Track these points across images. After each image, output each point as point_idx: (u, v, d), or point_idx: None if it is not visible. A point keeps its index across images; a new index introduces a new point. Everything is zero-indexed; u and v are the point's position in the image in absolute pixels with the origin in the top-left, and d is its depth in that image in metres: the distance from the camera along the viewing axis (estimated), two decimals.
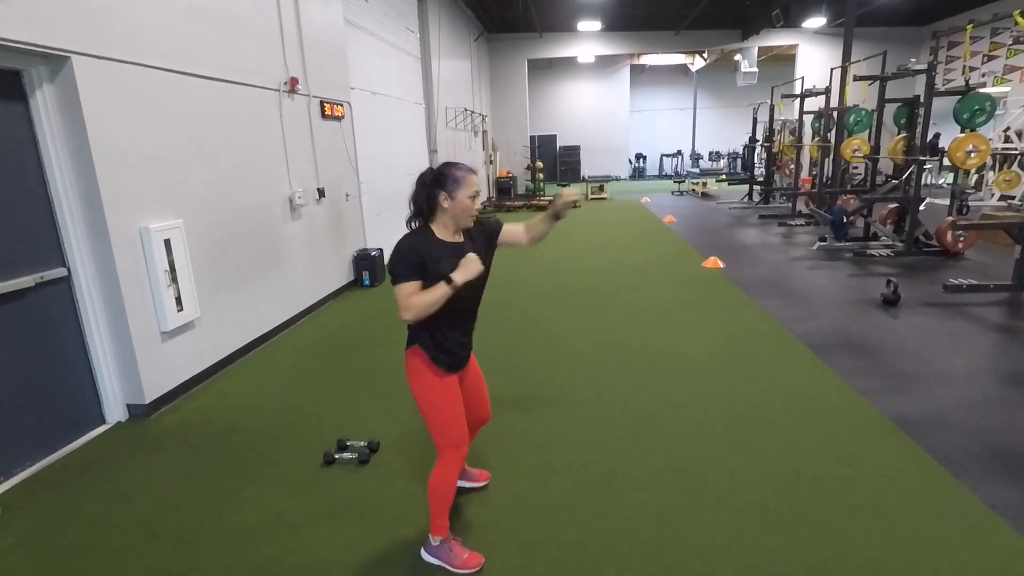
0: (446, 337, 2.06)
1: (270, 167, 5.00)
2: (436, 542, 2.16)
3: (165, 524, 2.48)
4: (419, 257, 1.95)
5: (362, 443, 3.01)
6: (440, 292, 1.90)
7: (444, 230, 2.04)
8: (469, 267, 1.92)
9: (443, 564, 2.15)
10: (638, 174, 24.28)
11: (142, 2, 3.53)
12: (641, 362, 4.07)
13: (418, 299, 1.90)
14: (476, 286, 2.04)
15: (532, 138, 19.73)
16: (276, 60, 5.10)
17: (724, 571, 2.08)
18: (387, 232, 8.11)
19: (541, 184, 17.55)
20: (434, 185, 2.01)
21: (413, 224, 2.10)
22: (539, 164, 17.48)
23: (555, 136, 23.07)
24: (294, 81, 5.29)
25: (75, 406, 3.30)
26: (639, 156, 24.35)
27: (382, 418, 3.37)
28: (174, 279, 3.68)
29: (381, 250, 7.00)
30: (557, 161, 23.08)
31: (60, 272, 3.19)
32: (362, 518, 2.48)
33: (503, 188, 17.06)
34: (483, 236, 2.15)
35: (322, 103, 5.92)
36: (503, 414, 3.37)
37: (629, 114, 23.12)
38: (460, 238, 2.07)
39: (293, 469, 2.87)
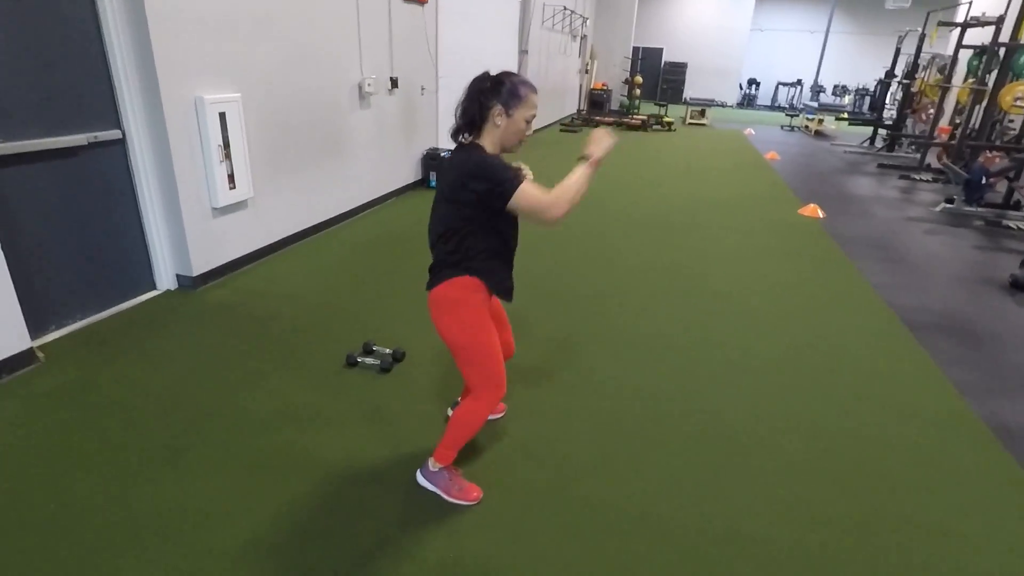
0: (506, 268, 1.88)
1: (341, 49, 4.72)
2: (435, 468, 2.03)
3: (184, 397, 2.51)
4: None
5: (387, 351, 2.90)
6: (583, 174, 1.68)
7: (496, 151, 1.76)
8: (604, 140, 1.72)
9: (438, 491, 2.02)
10: (748, 102, 22.10)
11: None
12: (701, 311, 3.67)
13: (562, 189, 1.65)
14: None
15: (635, 49, 18.18)
16: None
17: (749, 555, 1.83)
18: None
19: (637, 102, 16.33)
20: (491, 95, 1.71)
21: (462, 138, 1.78)
22: (638, 79, 16.15)
23: (661, 50, 21.20)
24: None
25: (128, 269, 3.37)
26: (752, 82, 22.06)
27: (417, 328, 3.23)
28: (228, 155, 3.58)
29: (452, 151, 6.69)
30: (660, 78, 21.37)
31: (115, 134, 3.15)
32: (370, 426, 2.39)
33: (595, 101, 16.03)
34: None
35: None
36: (536, 347, 3.15)
37: (749, 32, 20.70)
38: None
39: (317, 365, 2.82)
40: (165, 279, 3.54)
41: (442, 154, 6.46)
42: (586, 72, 16.29)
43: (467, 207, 1.69)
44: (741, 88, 21.92)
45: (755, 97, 22.21)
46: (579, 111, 14.18)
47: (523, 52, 10.09)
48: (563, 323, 3.44)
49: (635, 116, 13.33)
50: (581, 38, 14.93)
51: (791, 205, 6.62)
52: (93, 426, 2.30)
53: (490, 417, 2.46)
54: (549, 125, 12.66)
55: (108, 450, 2.17)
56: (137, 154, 3.25)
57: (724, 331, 3.42)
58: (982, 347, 3.44)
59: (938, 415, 2.70)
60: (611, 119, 13.39)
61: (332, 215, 4.94)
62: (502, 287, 1.87)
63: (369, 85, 5.07)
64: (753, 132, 13.73)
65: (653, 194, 6.82)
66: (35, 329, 2.84)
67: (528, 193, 1.64)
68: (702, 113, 14.67)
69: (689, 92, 21.28)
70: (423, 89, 6.28)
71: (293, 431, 2.34)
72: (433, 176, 6.49)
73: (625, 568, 1.78)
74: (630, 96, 16.29)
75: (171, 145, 3.25)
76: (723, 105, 21.12)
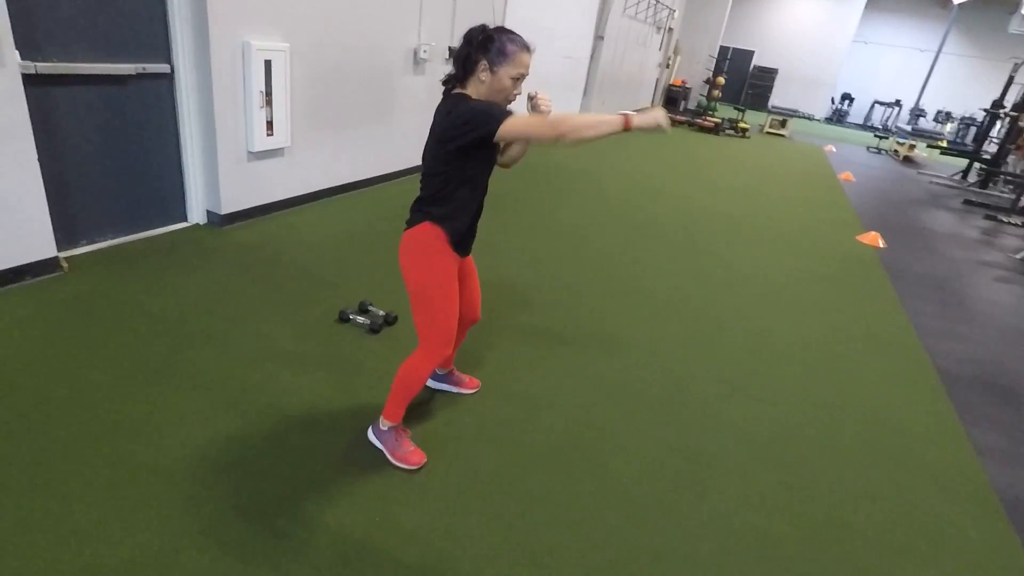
0: (471, 223, 1.88)
1: (400, 13, 4.74)
2: (385, 427, 2.04)
3: (180, 324, 2.62)
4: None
5: (381, 312, 2.93)
6: (609, 119, 1.59)
7: None
8: (657, 115, 1.63)
9: (384, 450, 2.04)
10: (837, 118, 20.84)
11: None
12: (705, 326, 3.52)
13: (572, 115, 1.61)
14: (490, 166, 1.85)
15: (723, 49, 17.45)
16: None
17: None
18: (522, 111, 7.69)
19: (715, 104, 15.71)
20: (479, 49, 1.70)
21: (451, 89, 1.81)
22: (720, 80, 15.51)
23: (752, 53, 20.24)
24: None
25: (162, 198, 3.54)
26: (846, 97, 20.75)
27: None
28: (268, 102, 3.68)
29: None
30: (746, 82, 20.44)
31: (163, 68, 3.29)
32: (341, 379, 2.43)
33: (672, 97, 15.53)
34: None
35: None
36: (536, 337, 3.10)
37: (850, 44, 19.44)
38: None
39: (312, 315, 2.88)
40: (196, 213, 3.70)
41: None
42: (667, 67, 15.79)
43: (452, 152, 1.70)
44: (832, 102, 20.67)
45: (846, 113, 20.91)
46: (651, 106, 13.79)
47: (599, 38, 9.86)
48: (566, 321, 3.37)
49: (709, 118, 12.81)
50: (667, 31, 14.45)
51: (851, 230, 6.21)
52: (92, 336, 2.45)
53: (464, 391, 2.46)
54: None
55: (97, 359, 2.30)
56: (182, 90, 3.38)
57: (720, 350, 3.27)
58: (1021, 410, 3.13)
59: (945, 476, 2.47)
60: (683, 118, 12.93)
61: (372, 175, 5.02)
62: (459, 238, 1.85)
63: (425, 52, 5.08)
64: (834, 149, 12.96)
65: (702, 198, 6.56)
66: (66, 241, 3.04)
67: (517, 118, 1.62)
68: (783, 123, 13.94)
69: (775, 100, 20.27)
70: None
71: (268, 371, 2.41)
72: None
73: (542, 566, 1.74)
74: (709, 97, 15.70)
75: (214, 86, 3.36)
76: (809, 118, 20.01)
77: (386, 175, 5.23)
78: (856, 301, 4.27)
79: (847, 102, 20.77)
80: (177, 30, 3.24)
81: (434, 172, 1.77)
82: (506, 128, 1.60)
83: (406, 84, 5.10)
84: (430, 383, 2.45)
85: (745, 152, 10.48)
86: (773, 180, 8.27)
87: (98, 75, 2.98)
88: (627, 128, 1.62)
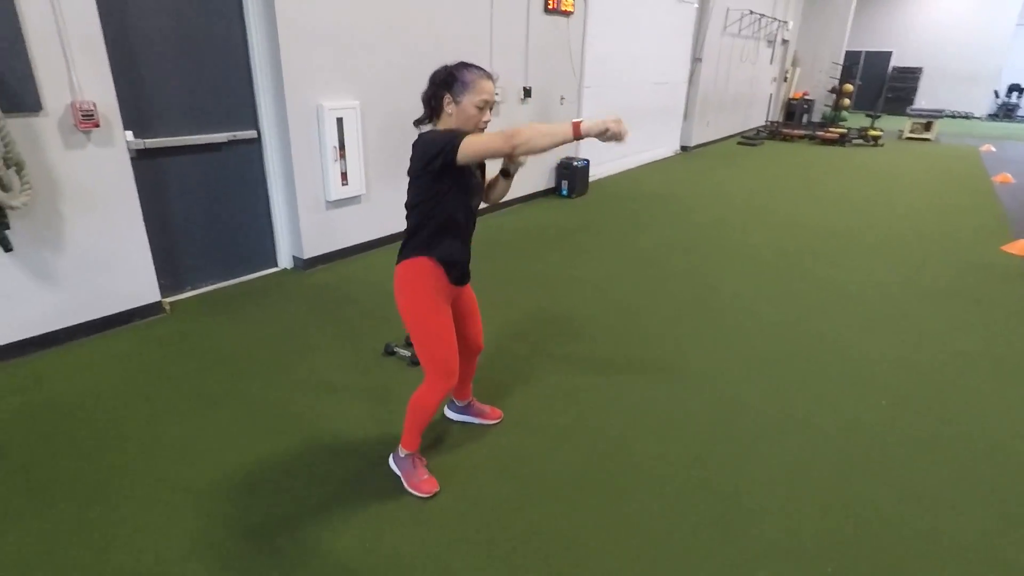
0: (459, 253, 1.91)
1: (469, 58, 4.99)
2: (403, 454, 2.10)
3: (249, 361, 2.91)
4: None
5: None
6: (559, 127, 1.60)
7: None
8: (603, 120, 1.58)
9: (401, 477, 2.09)
10: (1005, 113, 18.00)
11: None
12: (779, 350, 3.15)
13: (532, 129, 1.61)
14: (477, 195, 1.93)
15: (851, 54, 16.04)
16: None
17: None
18: (609, 144, 7.65)
19: (845, 113, 14.39)
20: (442, 86, 1.79)
21: (420, 128, 1.89)
22: (848, 87, 14.23)
23: (889, 54, 18.36)
24: None
25: (255, 247, 4.00)
26: (1014, 89, 17.91)
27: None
28: (343, 155, 4.05)
29: (588, 161, 6.65)
30: (884, 86, 18.53)
31: (251, 134, 3.76)
32: (375, 407, 2.53)
33: (790, 112, 14.49)
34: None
35: None
36: (579, 366, 3.01)
37: (1014, 28, 16.88)
38: None
39: (364, 348, 3.05)
40: (284, 258, 4.12)
41: (575, 163, 6.44)
42: (784, 80, 14.83)
43: (426, 183, 1.76)
44: (996, 96, 17.95)
45: (1014, 107, 18.00)
46: (767, 123, 12.94)
47: (696, 60, 9.56)
48: (617, 350, 3.23)
49: (832, 129, 11.75)
50: (782, 43, 13.64)
51: (996, 239, 5.28)
52: (173, 368, 2.80)
53: (485, 422, 2.44)
54: (727, 138, 11.80)
55: (173, 388, 2.63)
56: (268, 151, 3.84)
57: (798, 383, 2.90)
58: None
59: None
60: (801, 132, 11.99)
61: None
62: (452, 267, 1.88)
63: (497, 94, 5.27)
64: (993, 149, 11.19)
65: (810, 215, 5.97)
66: (171, 287, 3.54)
67: (474, 137, 1.66)
68: (927, 126, 12.36)
69: (921, 102, 18.08)
70: (562, 99, 6.34)
71: (311, 399, 2.58)
72: (564, 184, 6.51)
73: None
74: (836, 106, 14.43)
75: (292, 145, 3.78)
76: (967, 116, 17.54)
77: None
78: (988, 322, 3.59)
79: (1015, 94, 17.92)
80: (261, 100, 3.71)
81: (413, 204, 1.83)
82: (465, 147, 1.63)
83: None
84: (452, 416, 2.47)
85: (875, 161, 9.42)
86: (904, 189, 7.32)
87: (197, 145, 3.49)
88: (577, 136, 1.60)
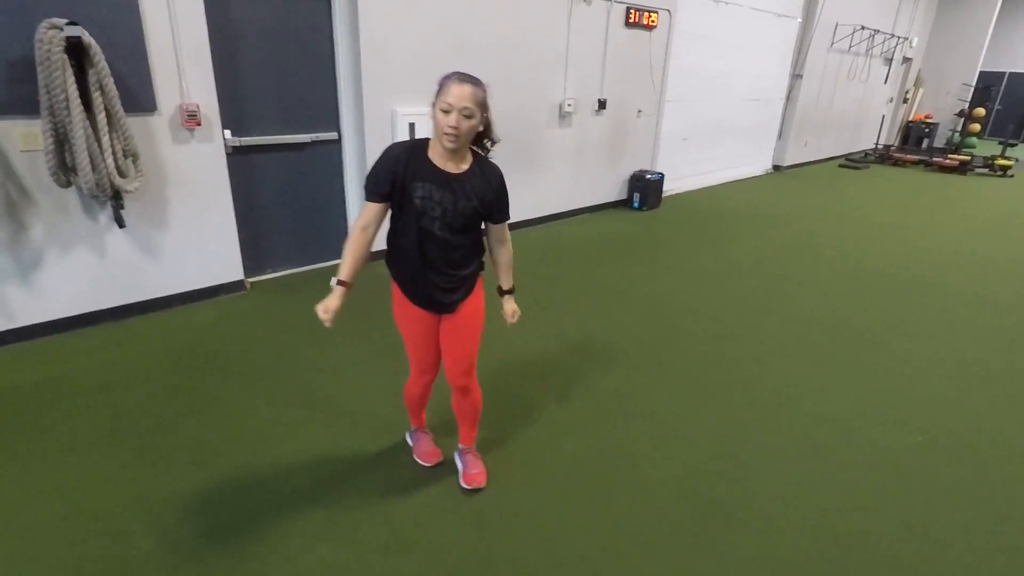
0: (400, 263, 1.88)
1: (543, 71, 5.19)
2: (411, 429, 2.37)
3: (308, 337, 3.25)
4: (392, 171, 1.71)
5: None
6: (340, 279, 1.80)
7: (437, 147, 1.74)
8: (325, 303, 1.76)
9: (412, 447, 2.34)
10: None
11: None
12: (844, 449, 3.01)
13: (349, 242, 1.79)
14: (440, 221, 1.75)
15: (988, 75, 14.54)
16: None
17: None
18: (689, 159, 7.55)
19: (974, 139, 13.06)
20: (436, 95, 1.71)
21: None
22: (980, 111, 12.91)
23: None
24: None
25: (332, 237, 4.40)
26: None
27: (532, 336, 3.46)
28: None
29: (662, 175, 6.60)
30: None
31: (332, 135, 4.17)
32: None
33: (908, 135, 13.36)
34: (493, 190, 1.83)
35: (628, 10, 5.66)
36: (597, 376, 3.08)
37: None
38: (462, 168, 1.76)
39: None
40: None
41: (648, 176, 6.43)
42: (904, 102, 13.72)
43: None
44: None
45: None
46: (876, 146, 12.02)
47: (796, 76, 9.15)
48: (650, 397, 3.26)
49: (951, 155, 10.73)
50: (903, 61, 12.65)
51: None
52: (244, 340, 3.20)
53: (419, 460, 2.28)
54: (827, 159, 11.13)
55: (240, 360, 3.01)
56: (346, 151, 4.24)
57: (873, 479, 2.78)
58: None
59: None
60: (915, 157, 11.05)
61: (515, 220, 5.44)
62: (406, 289, 1.90)
63: (569, 105, 5.43)
64: None
65: (897, 253, 5.57)
66: (254, 269, 4.00)
67: (364, 209, 1.79)
68: None
69: None
70: (640, 112, 6.36)
71: (339, 381, 2.84)
72: (636, 197, 6.51)
73: None
74: (964, 131, 13.13)
75: (367, 146, 4.14)
76: None
77: (532, 220, 5.62)
78: None
79: None
80: (343, 106, 4.11)
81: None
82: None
83: (551, 136, 5.49)
84: (454, 453, 2.29)
85: (998, 194, 8.53)
86: (1016, 233, 6.59)
87: (284, 144, 3.93)
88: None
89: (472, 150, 1.82)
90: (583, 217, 6.14)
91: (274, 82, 3.78)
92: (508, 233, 1.99)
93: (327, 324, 1.76)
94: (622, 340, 3.39)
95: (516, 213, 5.33)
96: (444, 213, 1.75)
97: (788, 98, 9.32)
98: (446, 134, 1.67)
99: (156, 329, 3.27)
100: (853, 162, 10.88)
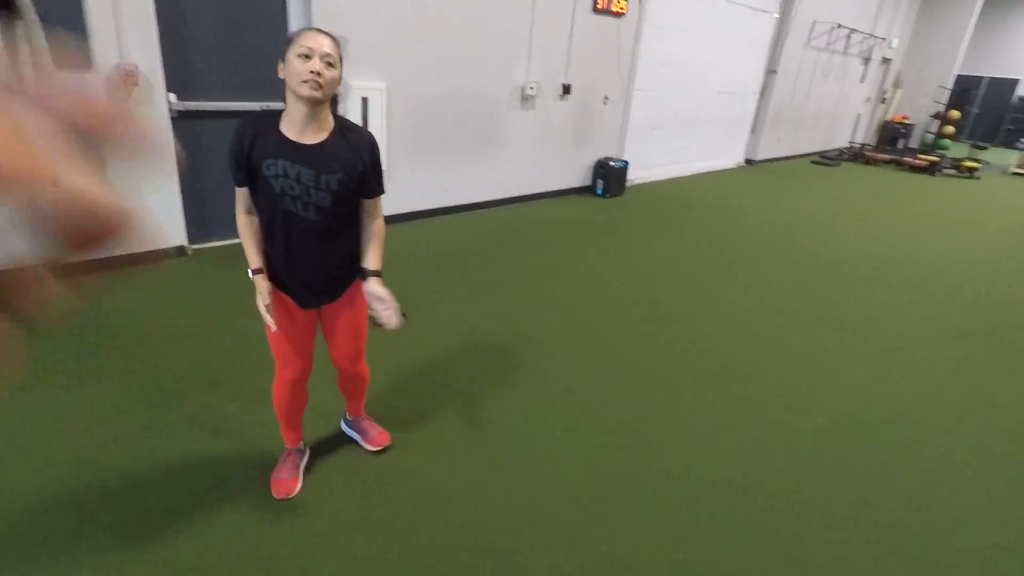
0: (279, 267, 1.70)
1: (505, 52, 5.18)
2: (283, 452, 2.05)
3: (238, 310, 3.25)
4: (237, 151, 1.54)
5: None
6: (250, 261, 1.67)
7: (290, 119, 1.54)
8: (259, 302, 1.63)
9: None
10: None
11: None
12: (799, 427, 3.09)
13: (241, 231, 1.66)
14: (303, 201, 1.57)
15: (966, 79, 14.74)
16: None
17: None
18: (658, 149, 7.59)
19: (947, 141, 13.27)
20: (282, 52, 1.51)
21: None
22: (954, 114, 13.10)
23: (1015, 82, 16.68)
24: None
25: None
26: None
27: (457, 310, 3.50)
28: None
29: (626, 163, 6.64)
30: (1005, 116, 16.88)
31: (281, 105, 4.12)
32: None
33: (885, 135, 13.54)
34: (362, 156, 1.63)
35: None
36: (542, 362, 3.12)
37: None
38: (320, 137, 1.55)
39: None
40: None
41: (611, 163, 6.46)
42: (881, 102, 13.87)
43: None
44: None
45: None
46: (850, 144, 12.16)
47: (771, 71, 9.21)
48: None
49: (920, 156, 10.91)
50: (881, 61, 12.77)
51: None
52: (179, 311, 3.19)
53: (366, 445, 2.20)
54: (801, 156, 11.25)
55: (178, 319, 3.02)
56: None
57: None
58: None
59: None
60: (887, 156, 11.21)
61: (472, 201, 5.47)
62: (276, 280, 1.71)
63: (531, 88, 5.43)
64: None
65: (853, 247, 5.68)
66: (199, 237, 3.98)
67: (239, 195, 1.65)
68: None
69: None
70: (606, 99, 6.38)
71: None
72: (600, 184, 6.54)
73: None
74: (939, 134, 13.33)
75: None
76: None
77: (489, 202, 5.63)
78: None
79: None
80: None
81: None
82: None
83: (512, 119, 5.49)
84: (342, 427, 2.28)
85: (962, 195, 8.69)
86: (986, 230, 6.75)
87: (233, 111, 3.90)
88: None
89: (335, 116, 1.62)
90: (544, 202, 6.17)
91: (223, 47, 3.74)
92: (381, 207, 1.78)
93: (272, 324, 1.66)
94: (557, 319, 3.44)
95: (474, 194, 5.39)
96: (306, 191, 1.55)
97: (762, 93, 9.39)
98: (305, 81, 1.44)
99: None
100: (826, 159, 11.02)
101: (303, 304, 1.76)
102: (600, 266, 4.40)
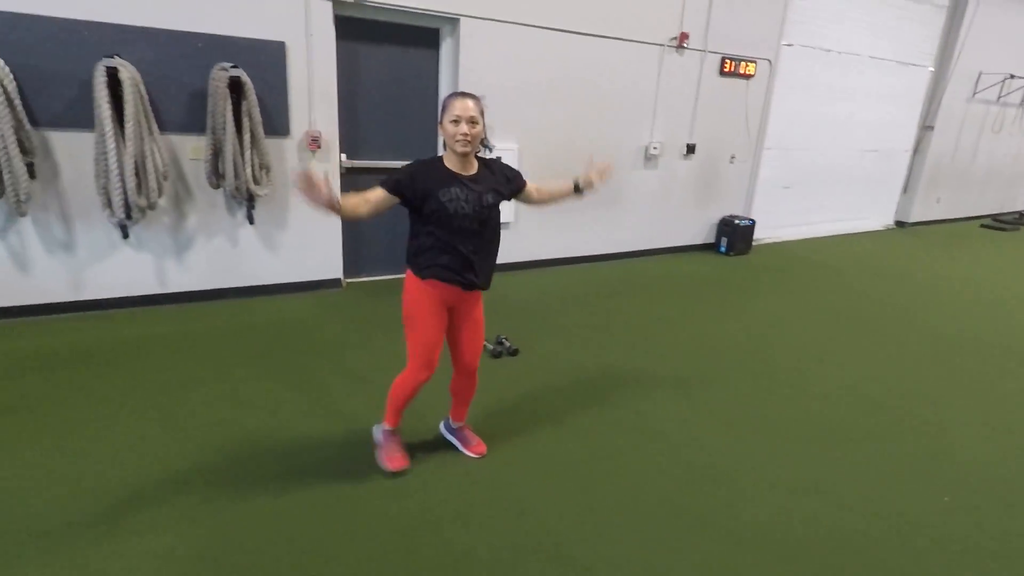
0: (435, 256, 2.12)
1: (630, 114, 5.52)
2: (384, 427, 2.43)
3: (376, 333, 3.80)
4: (412, 178, 2.07)
5: (507, 343, 3.58)
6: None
7: (451, 158, 2.12)
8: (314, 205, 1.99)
9: (378, 447, 2.45)
10: None
11: None
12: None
13: (355, 195, 2.08)
14: (470, 216, 2.07)
15: None
16: (668, 16, 5.39)
17: None
18: (791, 208, 7.39)
19: None
20: (440, 114, 2.13)
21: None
22: None
23: None
24: (683, 36, 5.47)
25: None
26: None
27: (567, 346, 3.78)
28: None
29: (753, 221, 6.56)
30: None
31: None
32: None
33: None
34: (504, 178, 2.23)
35: (723, 59, 5.86)
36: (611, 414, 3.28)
37: None
38: (472, 170, 2.13)
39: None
40: None
41: (736, 221, 6.43)
42: None
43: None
44: None
45: None
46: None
47: (927, 128, 8.58)
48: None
49: None
50: None
51: None
52: (331, 329, 3.81)
53: (466, 452, 2.53)
54: (968, 218, 10.12)
55: (328, 334, 3.63)
56: None
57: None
58: None
59: None
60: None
61: (593, 253, 5.76)
62: (422, 272, 2.13)
63: (655, 148, 5.69)
64: None
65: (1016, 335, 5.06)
66: (354, 272, 4.69)
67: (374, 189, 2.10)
68: None
69: None
70: (732, 158, 6.43)
71: (370, 384, 3.16)
72: (724, 242, 6.52)
73: None
74: None
75: None
76: None
77: (610, 254, 5.88)
78: None
79: None
80: (440, 138, 4.74)
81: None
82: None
83: (635, 177, 5.76)
84: (442, 431, 2.66)
85: None
86: None
87: (387, 168, 4.63)
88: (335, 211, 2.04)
89: (476, 156, 2.18)
90: (665, 257, 6.28)
91: (385, 116, 4.51)
92: (532, 184, 2.36)
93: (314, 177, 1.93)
94: (659, 368, 3.55)
95: (594, 246, 5.69)
96: (473, 208, 2.08)
97: (916, 150, 8.75)
98: (458, 140, 2.03)
99: (265, 308, 4.01)
100: (1001, 222, 9.81)
101: (469, 284, 2.17)
102: (713, 321, 4.42)
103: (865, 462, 2.67)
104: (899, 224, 9.14)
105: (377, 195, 2.09)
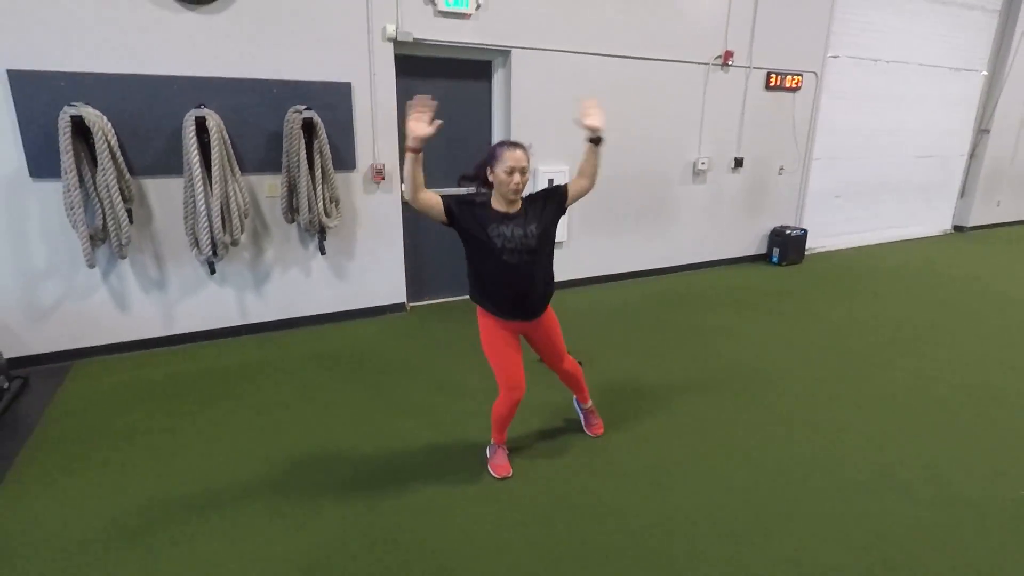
0: (492, 293, 2.36)
1: (678, 133, 5.59)
2: (491, 444, 2.68)
3: (446, 353, 3.94)
4: (463, 207, 2.26)
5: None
6: (407, 158, 2.21)
7: (498, 200, 2.30)
8: (411, 128, 2.15)
9: (488, 458, 2.67)
10: None
11: (569, 4, 4.73)
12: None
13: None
14: (519, 250, 2.25)
15: None
16: (713, 36, 5.47)
17: None
18: (844, 217, 7.28)
19: None
20: (488, 161, 2.28)
21: (463, 183, 2.43)
22: None
23: None
24: (728, 55, 5.54)
25: None
26: None
27: (628, 357, 3.85)
28: None
29: (805, 231, 6.50)
30: None
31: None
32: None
33: None
34: (543, 203, 2.37)
35: (768, 74, 5.88)
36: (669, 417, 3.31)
37: None
38: (515, 208, 2.30)
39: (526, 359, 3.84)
40: None
41: (787, 231, 6.38)
42: None
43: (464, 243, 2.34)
44: None
45: None
46: None
47: (983, 131, 8.35)
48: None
49: None
50: None
51: None
52: (401, 351, 3.97)
53: (587, 431, 2.91)
54: None
55: (394, 363, 3.78)
56: None
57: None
58: None
59: None
60: None
61: (644, 268, 5.80)
62: (486, 306, 2.37)
63: (703, 164, 5.73)
64: None
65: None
66: (414, 295, 4.87)
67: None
68: None
69: None
70: (781, 169, 6.40)
71: (449, 395, 3.33)
72: (776, 252, 6.46)
73: None
74: None
75: None
76: None
77: (660, 269, 5.91)
78: None
79: None
80: None
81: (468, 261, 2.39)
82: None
83: (683, 192, 5.81)
84: (574, 405, 3.02)
85: None
86: None
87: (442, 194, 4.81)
88: (412, 151, 2.17)
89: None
90: (716, 269, 6.27)
91: (443, 147, 4.71)
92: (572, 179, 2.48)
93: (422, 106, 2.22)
94: (719, 375, 3.56)
95: (646, 261, 5.74)
96: (519, 242, 2.26)
97: (972, 154, 8.50)
98: (513, 189, 2.22)
99: (337, 335, 4.21)
100: None
101: (528, 316, 2.38)
102: (766, 330, 4.40)
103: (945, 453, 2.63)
104: (957, 229, 8.86)
105: (436, 199, 2.26)
